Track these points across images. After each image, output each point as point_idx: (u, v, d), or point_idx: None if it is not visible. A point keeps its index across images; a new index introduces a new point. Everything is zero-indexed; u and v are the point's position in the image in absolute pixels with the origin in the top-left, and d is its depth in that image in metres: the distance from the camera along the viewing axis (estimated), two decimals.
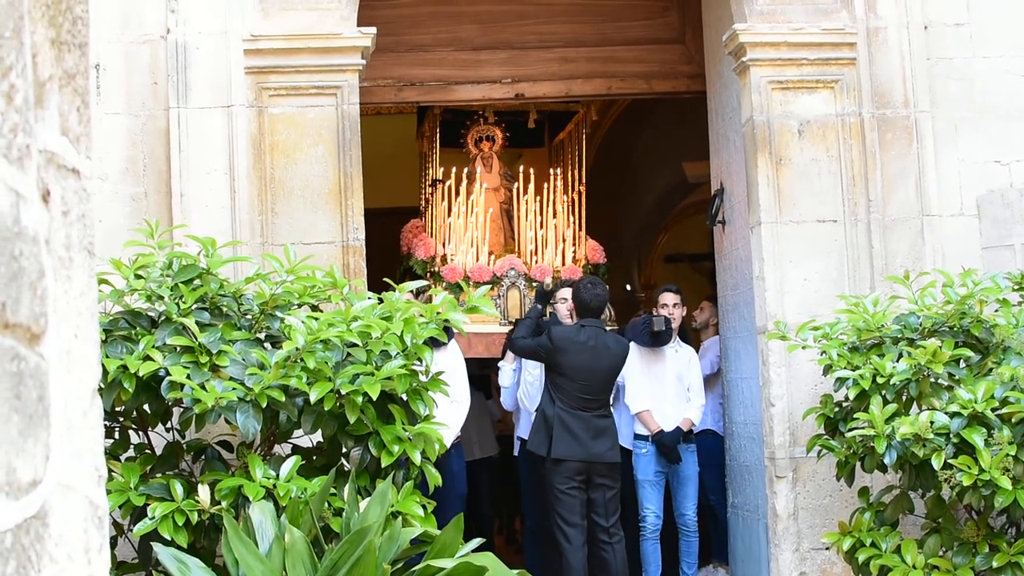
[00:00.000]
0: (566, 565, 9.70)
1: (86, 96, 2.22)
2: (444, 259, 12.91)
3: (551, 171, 14.09)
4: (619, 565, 9.95)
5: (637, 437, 10.56)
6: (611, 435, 9.90)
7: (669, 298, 10.90)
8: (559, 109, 14.24)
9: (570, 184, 14.02)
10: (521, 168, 13.76)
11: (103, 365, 6.62)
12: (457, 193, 13.41)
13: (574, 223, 13.66)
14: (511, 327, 11.44)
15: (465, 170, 13.72)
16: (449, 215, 13.33)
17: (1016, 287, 8.17)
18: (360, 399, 6.71)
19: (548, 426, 9.72)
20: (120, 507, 6.81)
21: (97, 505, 2.20)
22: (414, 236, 13.37)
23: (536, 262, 13.11)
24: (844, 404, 8.05)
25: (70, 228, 2.13)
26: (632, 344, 10.50)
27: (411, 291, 7.56)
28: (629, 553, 10.62)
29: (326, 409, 6.77)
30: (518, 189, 13.68)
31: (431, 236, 13.24)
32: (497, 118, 14.21)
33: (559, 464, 9.70)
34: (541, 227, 13.45)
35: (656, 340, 10.44)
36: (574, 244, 13.48)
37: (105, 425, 7.03)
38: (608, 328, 10.56)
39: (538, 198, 13.54)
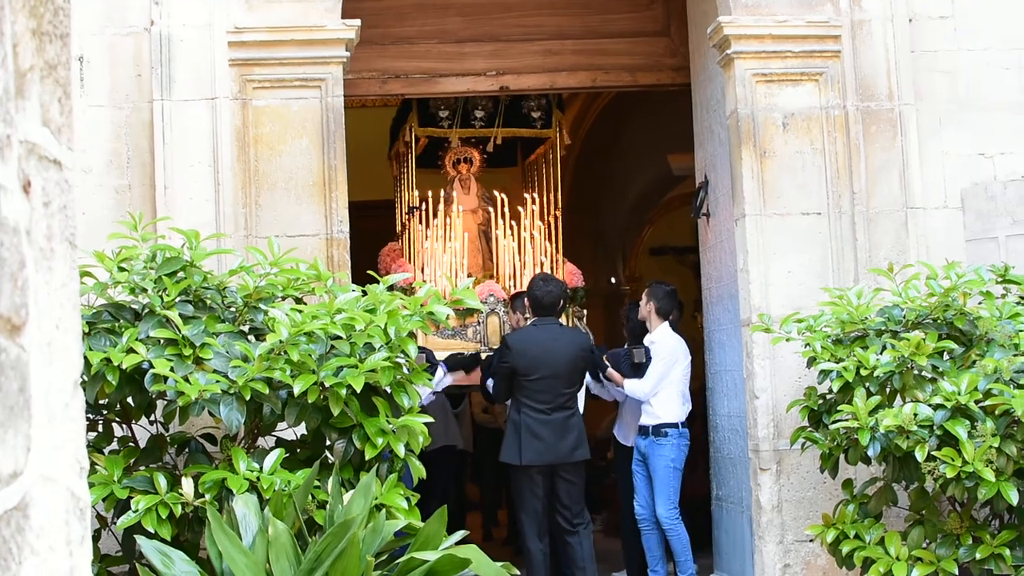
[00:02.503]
0: (528, 557, 9.80)
1: (68, 87, 2.22)
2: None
3: (526, 195, 14.02)
4: (585, 553, 9.98)
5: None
6: (577, 433, 9.92)
7: (642, 300, 10.88)
8: (530, 136, 14.18)
9: (546, 209, 13.95)
10: (497, 193, 13.70)
11: (86, 358, 6.60)
12: (435, 215, 13.35)
13: (551, 248, 13.59)
14: (489, 355, 11.49)
15: (442, 193, 13.65)
16: (427, 240, 13.26)
17: (999, 279, 8.18)
18: (344, 392, 6.72)
19: (518, 435, 9.75)
20: (104, 500, 6.80)
21: (79, 497, 2.20)
22: (392, 261, 13.32)
23: (515, 287, 13.03)
24: (828, 396, 8.06)
25: (51, 219, 2.12)
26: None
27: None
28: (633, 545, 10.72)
29: (310, 402, 6.76)
30: (496, 212, 13.60)
31: (409, 261, 13.20)
32: (474, 139, 14.11)
33: (528, 467, 9.77)
34: (519, 251, 13.38)
35: (637, 371, 10.42)
36: (552, 268, 13.41)
37: (88, 418, 7.05)
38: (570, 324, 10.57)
39: (514, 222, 13.47)
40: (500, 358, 9.95)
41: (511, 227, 13.42)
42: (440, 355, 11.12)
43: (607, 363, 10.56)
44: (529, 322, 10.24)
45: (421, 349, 10.14)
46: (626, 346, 11.29)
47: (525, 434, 9.70)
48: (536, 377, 9.77)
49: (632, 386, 10.37)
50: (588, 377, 10.62)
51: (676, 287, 11.12)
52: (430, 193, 13.42)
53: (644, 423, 10.44)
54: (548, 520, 10.01)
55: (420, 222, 13.39)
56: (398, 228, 14.17)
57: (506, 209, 13.42)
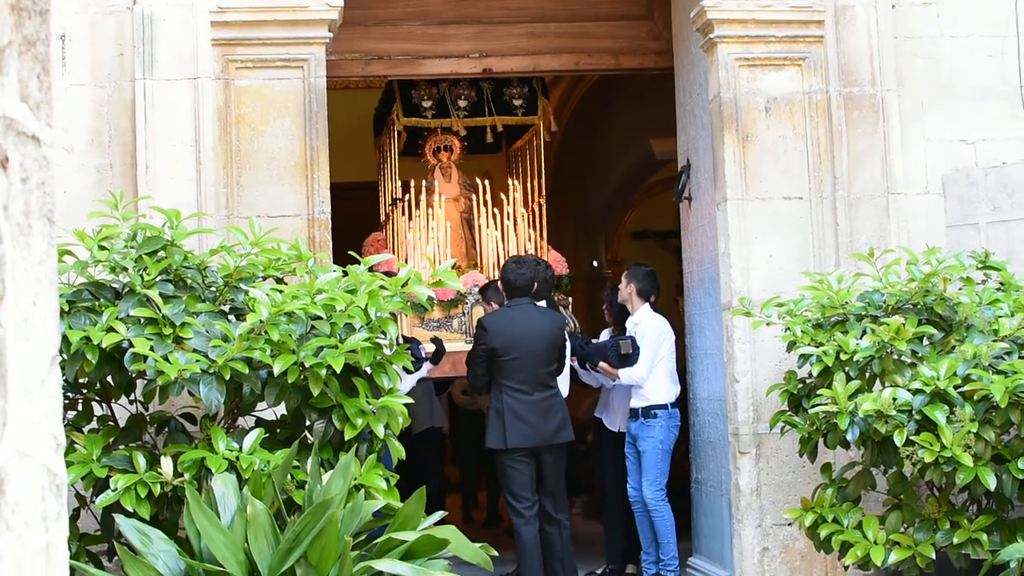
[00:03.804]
0: (519, 539, 9.76)
1: (47, 63, 2.21)
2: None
3: (510, 181, 13.97)
4: (563, 543, 9.95)
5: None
6: (560, 412, 9.90)
7: (621, 283, 10.95)
8: (515, 124, 14.10)
9: (529, 195, 13.89)
10: (479, 180, 13.66)
11: (66, 336, 6.61)
12: (417, 205, 13.29)
13: (535, 236, 13.53)
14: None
15: (424, 182, 13.59)
16: (410, 231, 13.21)
17: (980, 265, 8.20)
18: (324, 372, 6.70)
19: (501, 419, 9.72)
20: (83, 479, 6.79)
21: (55, 473, 2.20)
22: (376, 251, 13.26)
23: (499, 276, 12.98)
24: (808, 380, 8.07)
25: (29, 195, 2.12)
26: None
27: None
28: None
29: (290, 382, 6.76)
30: (478, 200, 13.54)
31: (393, 252, 13.14)
32: (464, 131, 14.03)
33: (513, 451, 9.74)
34: (503, 239, 13.33)
35: (625, 361, 10.45)
36: (537, 255, 13.33)
37: (68, 397, 7.05)
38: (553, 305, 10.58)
39: (496, 210, 13.42)
40: (477, 340, 9.92)
41: (494, 215, 13.38)
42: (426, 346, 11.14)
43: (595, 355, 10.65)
44: (505, 304, 10.22)
45: (407, 339, 10.19)
46: (610, 331, 11.33)
47: (509, 417, 9.67)
48: (514, 357, 9.73)
49: (628, 374, 10.42)
50: (576, 365, 10.68)
51: (656, 270, 11.14)
52: (412, 182, 13.37)
53: (634, 406, 10.50)
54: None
55: (403, 213, 13.34)
56: (382, 218, 14.13)
57: (488, 196, 13.38)
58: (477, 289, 12.37)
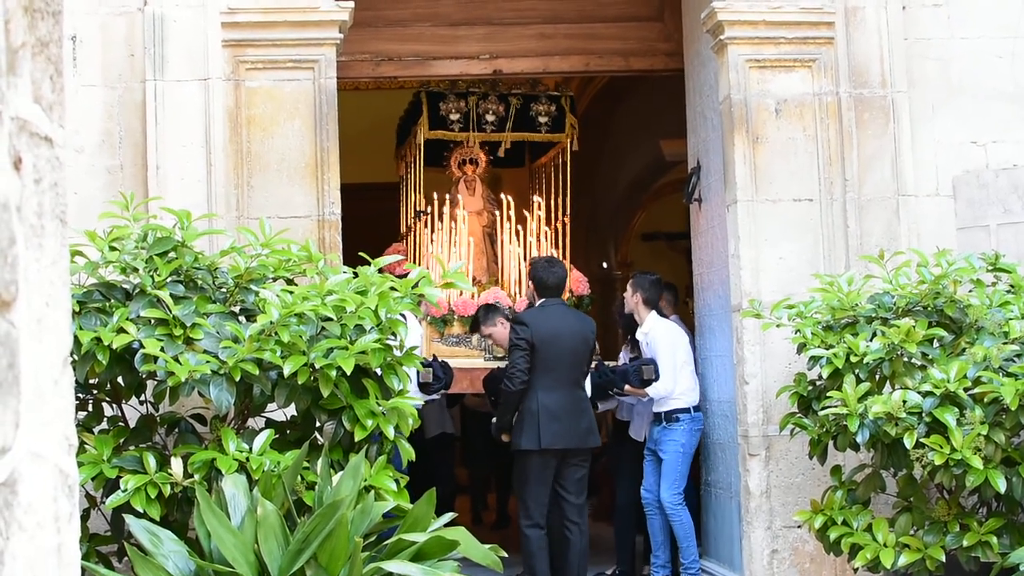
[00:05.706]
0: (526, 542, 9.71)
1: (59, 64, 2.21)
2: None
3: (532, 199, 13.89)
4: (582, 547, 9.91)
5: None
6: (589, 415, 9.87)
7: (627, 292, 10.90)
8: (540, 140, 14.01)
9: (553, 213, 13.81)
10: (503, 196, 13.61)
11: (77, 337, 6.61)
12: (440, 218, 13.23)
13: (558, 254, 13.43)
14: (496, 363, 11.43)
15: (447, 195, 13.51)
16: (432, 243, 13.15)
17: (990, 268, 8.19)
18: (334, 373, 6.71)
19: (535, 419, 9.63)
20: (93, 479, 6.81)
21: (67, 474, 2.20)
22: (396, 264, 13.21)
23: (520, 294, 12.89)
24: (817, 383, 8.07)
25: (42, 196, 2.12)
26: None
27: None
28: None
29: (300, 383, 6.76)
30: (501, 215, 13.45)
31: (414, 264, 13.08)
32: (483, 144, 13.95)
33: (544, 451, 9.66)
34: (525, 257, 13.24)
35: (646, 386, 10.42)
36: None
37: (78, 397, 7.06)
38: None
39: (519, 227, 13.34)
40: (516, 335, 9.77)
41: (517, 232, 13.32)
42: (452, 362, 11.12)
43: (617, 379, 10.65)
44: (537, 304, 10.15)
45: (431, 363, 10.18)
46: (625, 347, 11.32)
47: (544, 416, 9.57)
48: (551, 353, 9.66)
49: (655, 390, 10.35)
50: (598, 401, 10.70)
51: (661, 275, 11.11)
52: (435, 195, 13.30)
53: (657, 410, 10.44)
54: (549, 507, 9.94)
55: (425, 226, 13.28)
56: (403, 229, 14.07)
57: (511, 212, 13.31)
58: (509, 305, 12.29)
